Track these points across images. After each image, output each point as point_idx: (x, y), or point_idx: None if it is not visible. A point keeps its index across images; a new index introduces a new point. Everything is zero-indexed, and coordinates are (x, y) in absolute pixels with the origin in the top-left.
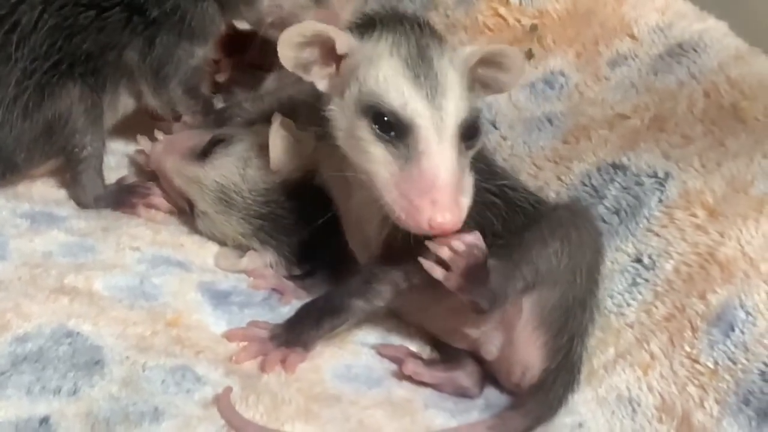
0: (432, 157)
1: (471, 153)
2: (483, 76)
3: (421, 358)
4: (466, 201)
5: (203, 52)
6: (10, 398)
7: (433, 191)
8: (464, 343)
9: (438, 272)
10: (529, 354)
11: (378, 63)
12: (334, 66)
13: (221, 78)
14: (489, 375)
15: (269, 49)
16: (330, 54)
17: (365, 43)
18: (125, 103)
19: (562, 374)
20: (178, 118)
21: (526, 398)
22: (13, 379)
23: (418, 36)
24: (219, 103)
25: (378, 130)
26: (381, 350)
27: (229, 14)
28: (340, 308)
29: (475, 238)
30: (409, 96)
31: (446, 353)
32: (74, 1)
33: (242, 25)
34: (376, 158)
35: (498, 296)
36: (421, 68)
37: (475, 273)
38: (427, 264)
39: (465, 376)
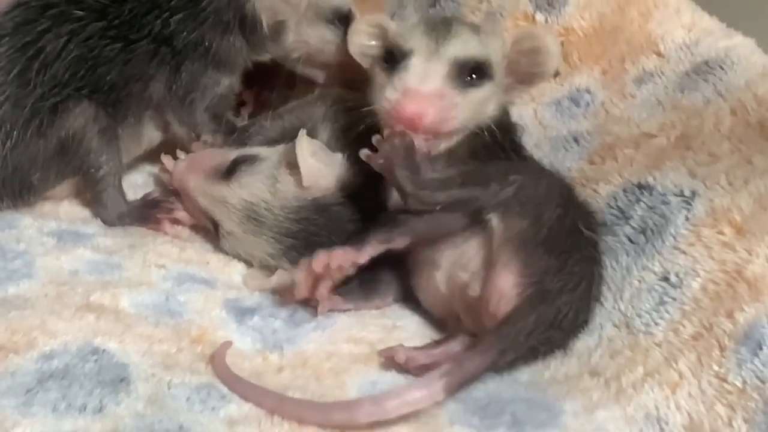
0: (416, 68)
1: (474, 91)
2: (525, 64)
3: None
4: (447, 112)
5: (230, 81)
6: (35, 415)
7: (411, 89)
8: (455, 290)
9: (363, 153)
10: (504, 281)
11: (406, 26)
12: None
13: (246, 111)
14: None
15: (293, 79)
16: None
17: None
18: (150, 137)
19: (534, 308)
20: (197, 137)
21: (487, 335)
22: (39, 396)
23: (447, 18)
24: (241, 122)
25: (384, 63)
26: (382, 353)
27: (256, 50)
28: (391, 220)
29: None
30: (413, 34)
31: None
32: (101, 33)
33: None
34: (377, 83)
35: (427, 186)
36: (438, 26)
37: (402, 162)
38: (363, 152)
39: (456, 343)
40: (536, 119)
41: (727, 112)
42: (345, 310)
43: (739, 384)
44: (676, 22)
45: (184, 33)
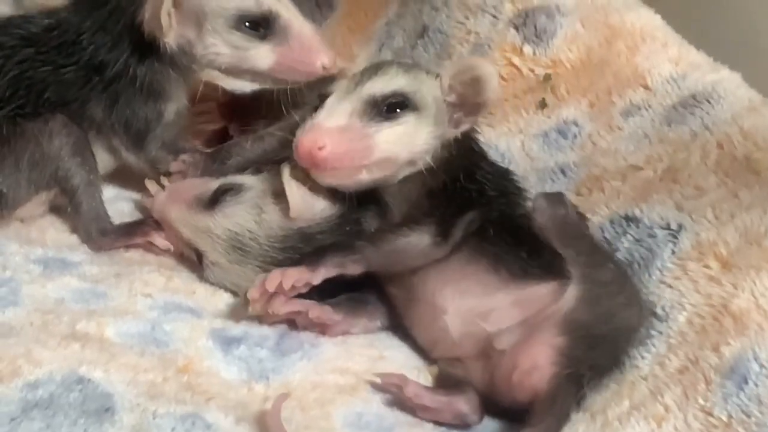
0: (326, 107)
1: (392, 123)
2: (469, 95)
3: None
4: (356, 144)
5: (175, 107)
6: None
7: (314, 125)
8: (471, 337)
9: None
10: (543, 354)
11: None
12: None
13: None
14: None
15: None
16: None
17: None
18: (101, 158)
19: (569, 390)
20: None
21: (540, 415)
22: (24, 425)
23: (387, 62)
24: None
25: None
26: (383, 379)
27: (184, 72)
28: (347, 246)
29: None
30: (342, 80)
31: (446, 384)
32: (33, 57)
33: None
34: None
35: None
36: (369, 69)
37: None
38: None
39: (464, 401)
40: (523, 151)
41: (713, 146)
42: (334, 328)
43: (724, 418)
44: (663, 56)
45: (112, 64)
